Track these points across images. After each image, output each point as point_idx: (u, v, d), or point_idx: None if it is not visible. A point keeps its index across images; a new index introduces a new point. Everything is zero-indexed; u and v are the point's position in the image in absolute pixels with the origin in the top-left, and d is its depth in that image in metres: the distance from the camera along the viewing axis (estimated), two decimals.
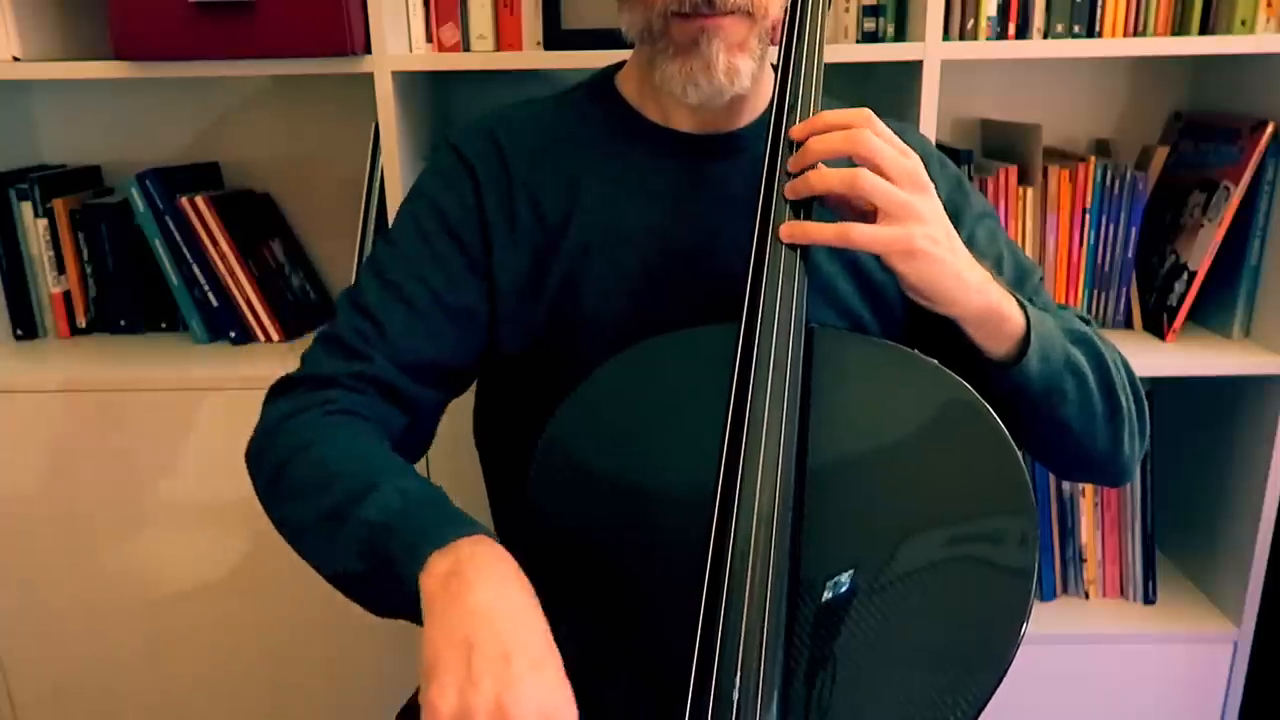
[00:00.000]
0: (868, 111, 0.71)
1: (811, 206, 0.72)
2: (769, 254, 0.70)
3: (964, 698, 0.64)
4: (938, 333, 0.75)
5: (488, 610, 0.59)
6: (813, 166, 0.70)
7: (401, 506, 0.66)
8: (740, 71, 0.77)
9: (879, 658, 0.65)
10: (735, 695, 0.61)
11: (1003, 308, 0.72)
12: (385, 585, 0.65)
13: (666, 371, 0.72)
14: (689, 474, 0.68)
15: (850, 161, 0.70)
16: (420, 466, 1.29)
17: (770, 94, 0.87)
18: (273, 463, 0.75)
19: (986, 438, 0.69)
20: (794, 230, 0.70)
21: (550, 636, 0.60)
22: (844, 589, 0.66)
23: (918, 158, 0.71)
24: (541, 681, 0.57)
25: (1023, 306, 0.74)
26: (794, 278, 0.70)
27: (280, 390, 0.83)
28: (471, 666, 0.56)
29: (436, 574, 0.61)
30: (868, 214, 0.70)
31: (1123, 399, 0.79)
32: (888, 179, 0.68)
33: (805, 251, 0.71)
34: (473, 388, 0.96)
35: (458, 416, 0.99)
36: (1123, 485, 0.86)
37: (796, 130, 0.72)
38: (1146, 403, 0.83)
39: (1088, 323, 0.87)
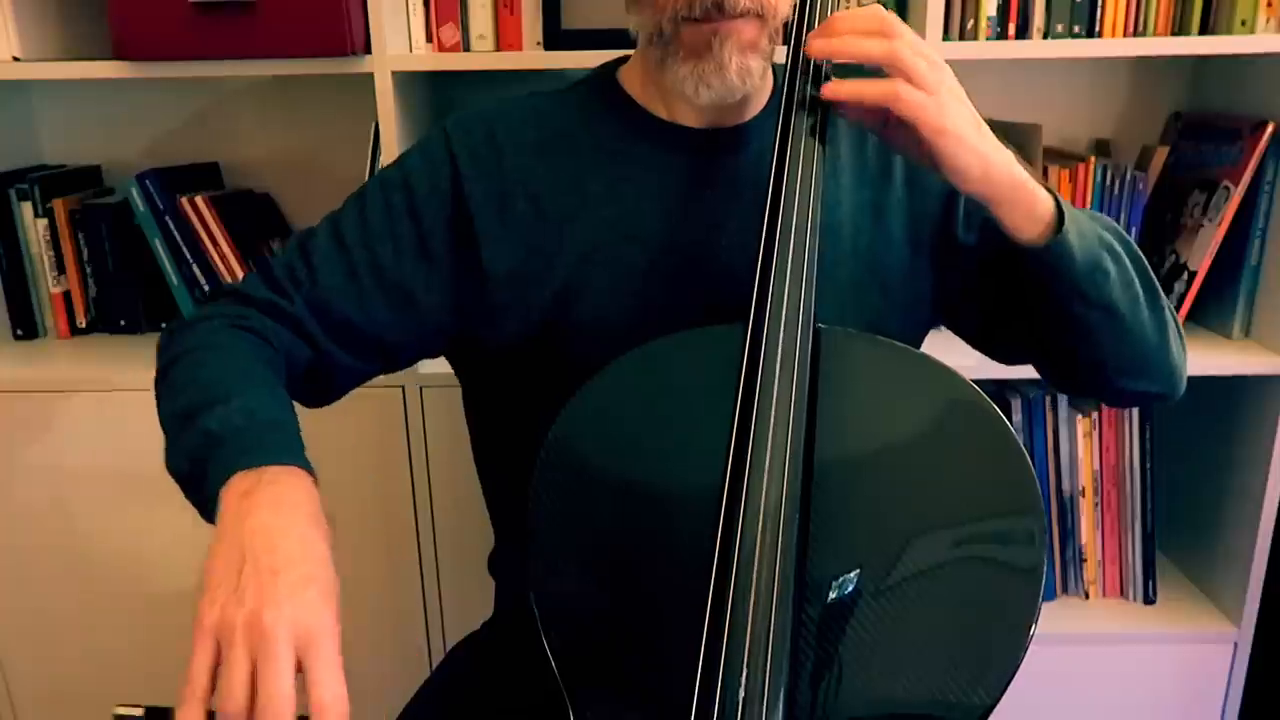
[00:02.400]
0: (892, 16, 0.71)
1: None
2: (781, 214, 0.72)
3: (972, 698, 0.64)
4: (966, 296, 0.78)
5: (267, 530, 0.61)
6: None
7: (240, 424, 0.69)
8: (751, 72, 0.77)
9: (885, 658, 0.65)
10: (741, 695, 0.61)
11: (1030, 185, 0.73)
12: (197, 493, 0.68)
13: (673, 371, 0.72)
14: (695, 474, 0.68)
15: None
16: (420, 467, 1.30)
17: (771, 86, 0.87)
18: (166, 358, 0.78)
19: (993, 437, 0.69)
20: (837, 87, 0.71)
21: (326, 561, 0.62)
22: (850, 589, 0.66)
23: (947, 66, 0.72)
24: (303, 600, 0.58)
25: (1048, 189, 0.75)
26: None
27: (211, 298, 0.85)
28: (240, 581, 0.58)
29: (234, 491, 0.64)
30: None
31: (1159, 289, 0.81)
32: (913, 81, 0.69)
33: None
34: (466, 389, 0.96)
35: (460, 418, 0.99)
36: (1177, 397, 0.85)
37: (824, 27, 0.73)
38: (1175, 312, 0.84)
39: None
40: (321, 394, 0.87)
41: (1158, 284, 0.81)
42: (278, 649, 0.56)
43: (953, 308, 0.90)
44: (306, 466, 0.68)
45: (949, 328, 0.92)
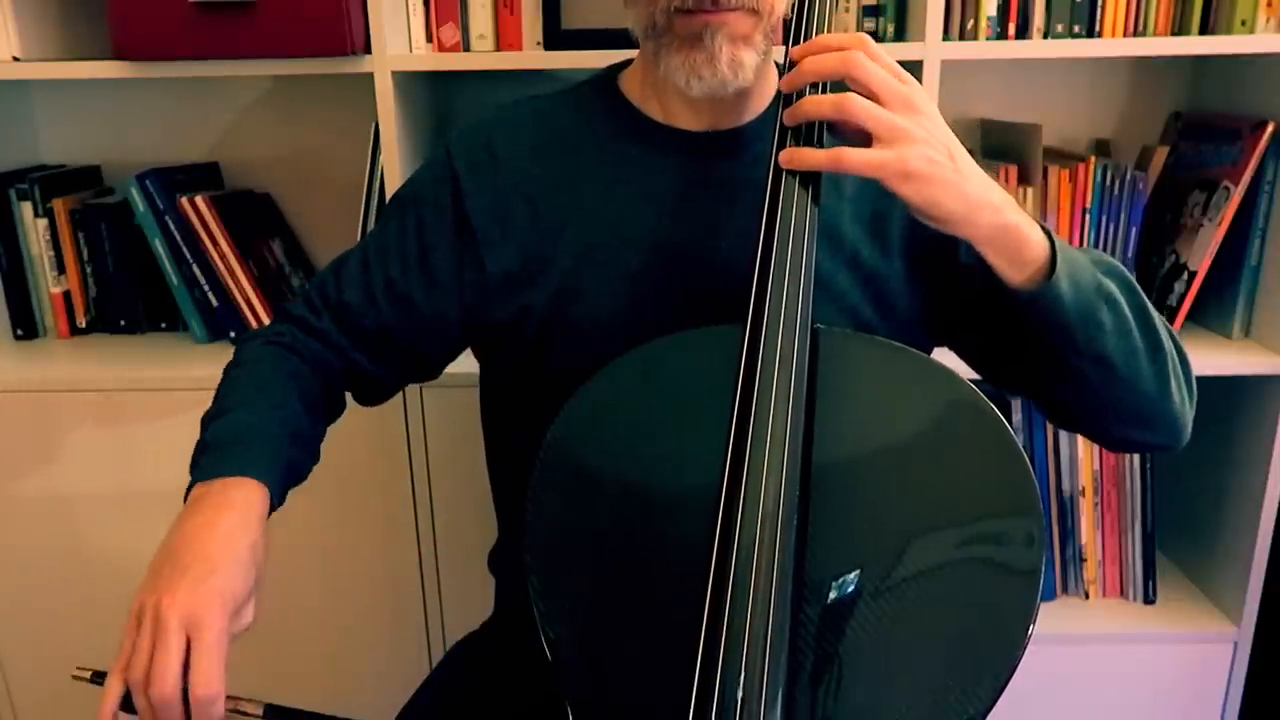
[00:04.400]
0: (864, 35, 0.71)
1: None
2: (779, 216, 0.71)
3: (970, 699, 0.64)
4: (965, 319, 0.77)
5: (194, 532, 0.70)
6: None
7: (228, 436, 0.78)
8: (744, 64, 0.77)
9: (884, 659, 0.65)
10: (739, 694, 0.61)
11: (1021, 228, 0.70)
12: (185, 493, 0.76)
13: (671, 372, 0.72)
14: (693, 474, 0.68)
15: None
16: (420, 467, 1.30)
17: (773, 92, 0.87)
18: (224, 372, 0.88)
19: (992, 438, 0.69)
20: (791, 156, 0.71)
21: (238, 561, 0.69)
22: (849, 590, 0.66)
23: (916, 82, 0.70)
24: (197, 591, 0.66)
25: (1046, 231, 0.72)
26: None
27: (274, 316, 0.95)
28: (159, 575, 0.67)
29: (191, 498, 0.74)
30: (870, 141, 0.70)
31: (1163, 335, 0.77)
32: (880, 102, 0.68)
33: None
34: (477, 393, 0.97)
35: (460, 418, 0.99)
36: (1179, 446, 0.83)
37: (794, 50, 0.72)
38: (1187, 356, 0.80)
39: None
40: (366, 397, 0.96)
41: (1162, 332, 0.77)
42: (167, 632, 0.64)
43: (952, 330, 0.87)
44: (263, 476, 0.75)
45: (951, 349, 0.89)
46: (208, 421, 0.81)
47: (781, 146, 0.73)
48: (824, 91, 0.71)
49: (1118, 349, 0.74)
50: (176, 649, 0.64)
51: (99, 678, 0.70)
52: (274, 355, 0.87)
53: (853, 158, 0.67)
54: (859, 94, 0.68)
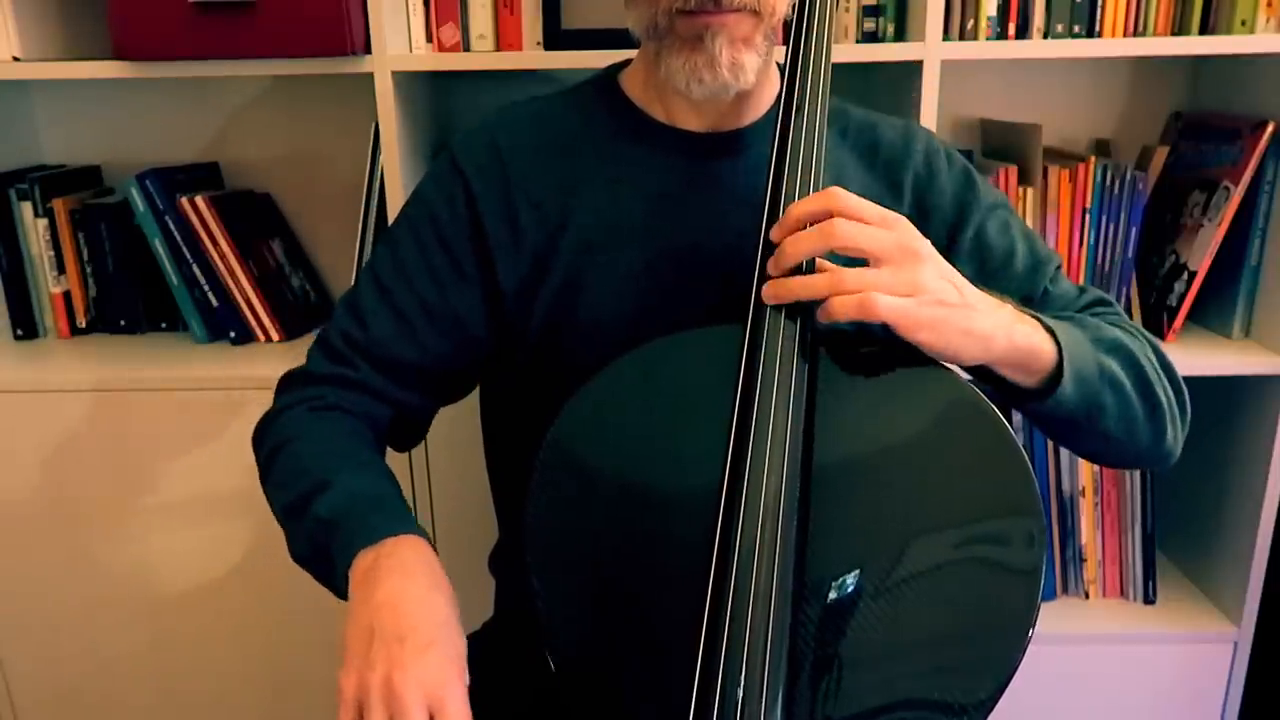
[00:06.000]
0: (835, 191, 0.69)
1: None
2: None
3: (970, 699, 0.64)
4: None
5: (392, 600, 0.65)
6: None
7: (346, 506, 0.73)
8: (745, 67, 0.77)
9: (884, 659, 0.65)
10: (739, 694, 0.61)
11: (1031, 343, 0.71)
12: (328, 577, 0.73)
13: (671, 372, 0.72)
14: (694, 475, 0.68)
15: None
16: (420, 467, 1.30)
17: (775, 92, 0.87)
18: (263, 455, 0.83)
19: (992, 439, 0.69)
20: (777, 290, 0.69)
21: (448, 622, 0.66)
22: (849, 590, 0.66)
23: (898, 217, 0.69)
24: (429, 662, 0.62)
25: (1050, 331, 0.73)
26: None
27: (283, 385, 0.89)
28: (370, 651, 0.63)
29: (360, 569, 0.69)
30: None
31: (1160, 394, 0.78)
32: (876, 259, 0.67)
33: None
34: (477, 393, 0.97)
35: (459, 420, 0.99)
36: (1166, 468, 0.85)
37: (775, 233, 0.71)
38: (1183, 386, 0.82)
39: (1109, 304, 0.86)
40: (409, 439, 0.93)
41: (1159, 389, 0.78)
42: (409, 708, 0.60)
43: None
44: (420, 532, 0.72)
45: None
46: (304, 501, 0.75)
47: (785, 126, 0.74)
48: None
49: (1116, 425, 0.77)
50: None
51: None
52: (328, 420, 0.83)
53: (883, 304, 0.66)
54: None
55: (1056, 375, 0.72)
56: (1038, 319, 0.74)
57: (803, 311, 0.70)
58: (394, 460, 1.30)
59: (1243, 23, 1.20)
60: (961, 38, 1.23)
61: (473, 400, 0.98)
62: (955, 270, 0.71)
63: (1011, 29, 1.23)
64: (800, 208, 0.69)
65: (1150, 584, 1.40)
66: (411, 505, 1.31)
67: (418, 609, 0.65)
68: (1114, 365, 0.76)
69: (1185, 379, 0.82)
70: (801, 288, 0.68)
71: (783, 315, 0.70)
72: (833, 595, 0.65)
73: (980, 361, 0.71)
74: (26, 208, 1.40)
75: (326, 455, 0.79)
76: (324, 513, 0.73)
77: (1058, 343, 0.73)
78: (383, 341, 0.85)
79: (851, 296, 0.66)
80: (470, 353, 0.89)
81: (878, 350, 0.72)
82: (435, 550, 0.72)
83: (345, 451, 0.80)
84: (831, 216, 0.68)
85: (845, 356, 0.71)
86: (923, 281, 0.67)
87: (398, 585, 0.66)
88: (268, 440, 0.83)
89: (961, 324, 0.68)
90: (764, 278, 0.71)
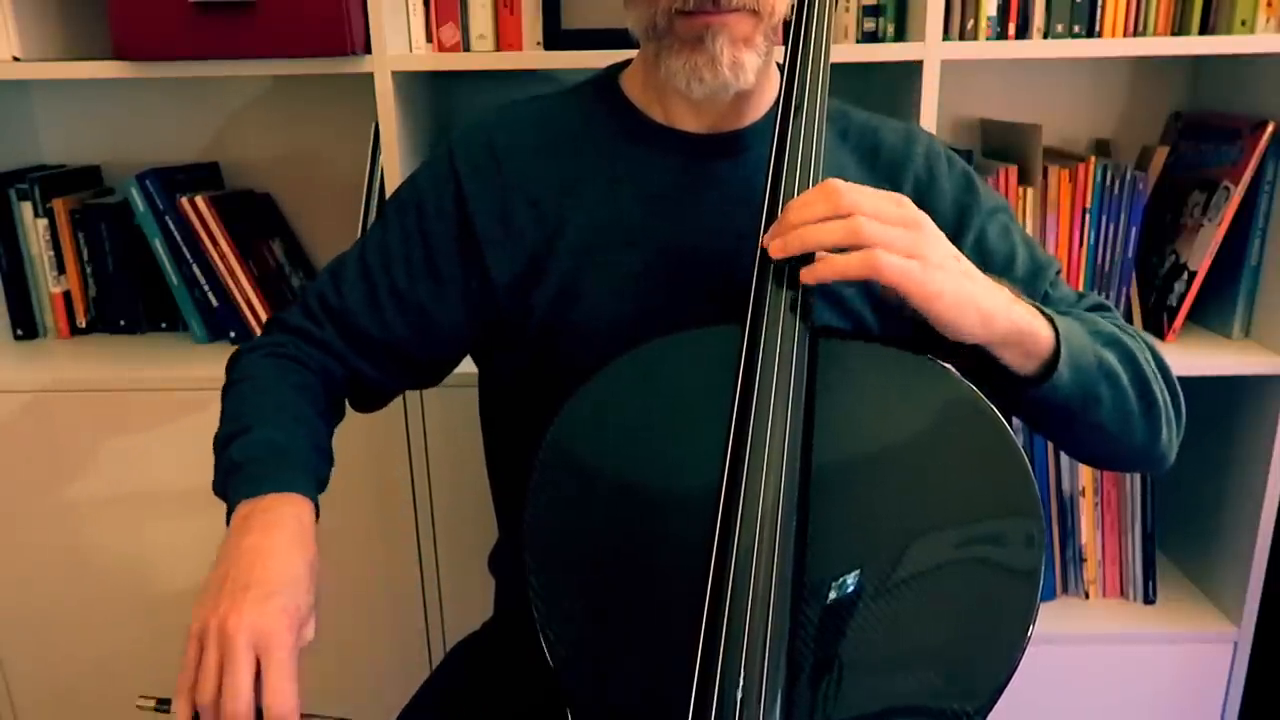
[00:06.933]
0: (831, 182, 0.68)
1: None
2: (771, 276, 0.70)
3: (970, 699, 0.64)
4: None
5: (252, 551, 0.69)
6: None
7: (254, 453, 0.77)
8: (745, 66, 0.77)
9: (884, 659, 0.65)
10: (739, 696, 0.61)
11: (1030, 325, 0.71)
12: (227, 514, 0.76)
13: (670, 372, 0.72)
14: (693, 475, 0.68)
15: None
16: (420, 467, 1.30)
17: (775, 93, 0.87)
18: (223, 388, 0.87)
19: (992, 439, 0.69)
20: (816, 271, 0.68)
21: (299, 580, 0.69)
22: (849, 590, 0.66)
23: (902, 198, 0.69)
24: (266, 610, 0.65)
25: (1049, 319, 0.73)
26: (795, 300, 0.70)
27: (265, 327, 0.94)
28: (220, 593, 0.67)
29: (239, 515, 0.73)
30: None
31: (1157, 392, 0.78)
32: (890, 249, 0.67)
33: (808, 312, 0.71)
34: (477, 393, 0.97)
35: (460, 418, 0.99)
36: (1161, 473, 0.85)
37: (769, 240, 0.70)
38: (1180, 391, 0.81)
39: (1107, 309, 0.86)
40: (365, 403, 0.95)
41: (1155, 387, 0.78)
42: (237, 650, 0.64)
43: (949, 347, 0.88)
44: (306, 491, 0.76)
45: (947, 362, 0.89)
46: (228, 440, 0.79)
47: (785, 125, 0.74)
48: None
49: (1111, 418, 0.76)
50: (247, 668, 0.64)
51: (164, 705, 0.70)
52: (280, 368, 0.86)
53: (889, 262, 0.66)
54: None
55: (1053, 362, 0.72)
56: (1035, 305, 0.74)
57: (803, 310, 0.70)
58: (394, 460, 1.31)
59: (1243, 23, 1.20)
60: (961, 38, 1.23)
61: (473, 400, 0.98)
62: (957, 250, 0.71)
63: (1011, 29, 1.23)
64: (802, 205, 0.69)
65: (1150, 584, 1.40)
66: (412, 505, 1.32)
67: (272, 562, 0.69)
68: (1111, 358, 0.76)
69: (1185, 379, 0.82)
70: (813, 235, 0.67)
71: (782, 316, 0.69)
72: (832, 595, 0.65)
73: (979, 339, 0.70)
74: (26, 208, 1.40)
75: (262, 402, 0.82)
76: (235, 455, 0.77)
77: (1055, 329, 0.72)
78: (353, 311, 0.88)
79: (856, 254, 0.66)
80: (435, 345, 0.91)
81: (877, 350, 0.72)
82: (317, 513, 0.76)
83: (281, 403, 0.83)
84: (836, 211, 0.67)
85: (844, 356, 0.71)
86: (927, 250, 0.68)
87: (260, 538, 0.70)
88: (229, 375, 0.88)
89: (965, 295, 0.68)
90: (763, 278, 0.71)
